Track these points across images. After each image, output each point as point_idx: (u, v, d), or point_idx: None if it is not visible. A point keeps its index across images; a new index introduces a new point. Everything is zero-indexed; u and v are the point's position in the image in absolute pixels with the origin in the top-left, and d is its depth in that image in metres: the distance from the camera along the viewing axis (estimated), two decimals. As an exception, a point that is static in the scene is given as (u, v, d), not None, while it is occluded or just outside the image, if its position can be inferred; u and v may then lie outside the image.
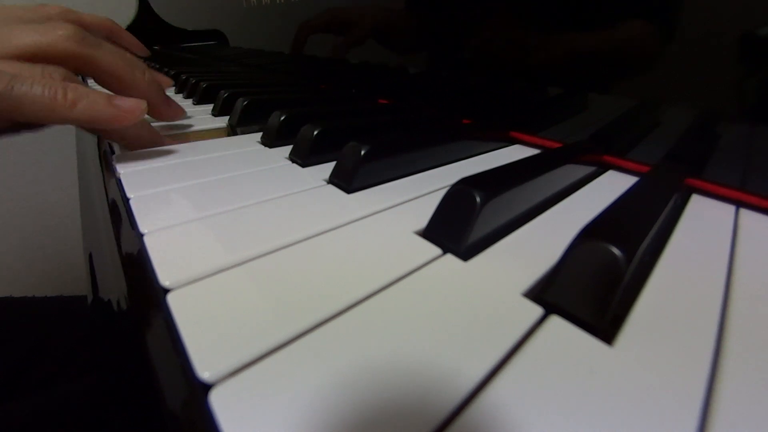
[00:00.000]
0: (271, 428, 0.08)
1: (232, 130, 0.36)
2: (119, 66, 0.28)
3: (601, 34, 0.25)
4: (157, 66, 0.68)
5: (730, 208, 0.21)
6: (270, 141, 0.30)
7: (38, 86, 0.22)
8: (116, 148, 0.29)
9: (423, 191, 0.22)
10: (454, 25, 0.34)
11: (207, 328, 0.11)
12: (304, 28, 0.50)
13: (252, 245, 0.15)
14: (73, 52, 0.26)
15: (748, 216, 0.20)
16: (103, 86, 0.29)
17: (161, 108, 0.31)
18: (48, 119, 0.23)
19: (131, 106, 0.25)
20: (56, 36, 0.25)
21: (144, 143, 0.28)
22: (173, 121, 0.33)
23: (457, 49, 0.35)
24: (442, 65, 0.37)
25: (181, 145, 0.30)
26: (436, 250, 0.16)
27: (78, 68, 0.27)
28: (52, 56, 0.25)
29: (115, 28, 0.45)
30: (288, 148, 0.28)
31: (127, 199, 0.20)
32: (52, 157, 1.01)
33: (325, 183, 0.23)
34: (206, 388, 0.09)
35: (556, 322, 0.12)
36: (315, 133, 0.26)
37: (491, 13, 0.31)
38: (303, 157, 0.26)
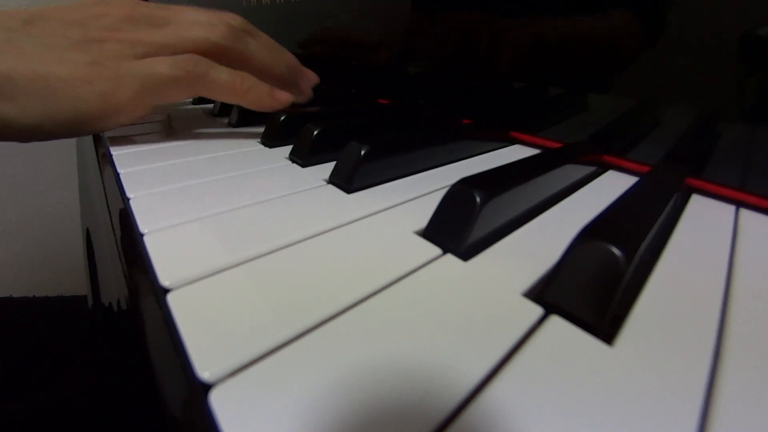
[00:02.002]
0: (271, 428, 0.08)
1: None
2: (264, 58, 0.33)
3: (599, 30, 0.25)
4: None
5: (730, 208, 0.21)
6: (270, 141, 0.30)
7: (225, 73, 0.28)
8: (116, 148, 0.29)
9: (423, 191, 0.22)
10: (454, 26, 0.34)
11: (207, 328, 0.11)
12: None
13: (252, 245, 0.15)
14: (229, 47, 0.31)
15: (748, 216, 0.20)
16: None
17: (294, 91, 0.36)
18: (225, 100, 0.30)
19: (284, 99, 0.31)
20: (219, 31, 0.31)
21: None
22: (312, 85, 0.38)
23: (457, 50, 0.35)
24: (442, 65, 0.37)
25: (182, 144, 0.30)
26: (436, 250, 0.16)
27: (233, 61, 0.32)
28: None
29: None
30: (288, 148, 0.28)
31: (127, 199, 0.20)
32: (52, 157, 1.01)
33: (325, 183, 0.23)
34: (206, 388, 0.09)
35: (556, 322, 0.12)
36: (315, 133, 0.26)
37: (490, 12, 0.31)
38: (303, 157, 0.26)
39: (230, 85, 0.29)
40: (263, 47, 0.33)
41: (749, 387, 0.10)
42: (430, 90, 0.40)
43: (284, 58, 0.36)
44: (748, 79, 0.20)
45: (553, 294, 0.13)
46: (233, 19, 0.33)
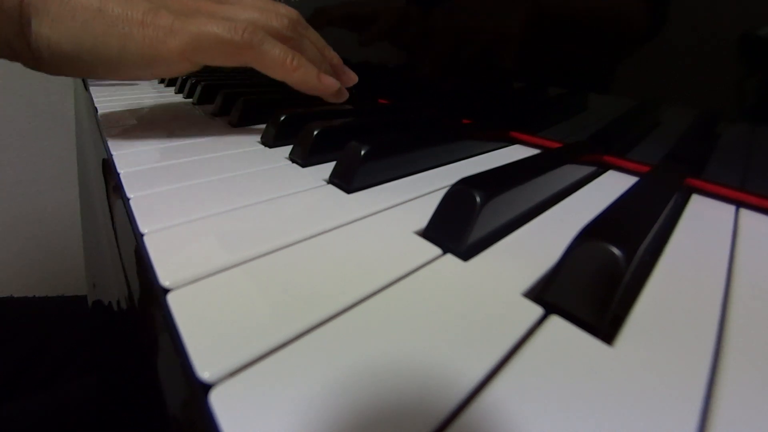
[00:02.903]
0: (271, 428, 0.08)
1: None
2: (314, 56, 0.34)
3: (598, 29, 0.25)
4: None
5: (730, 208, 0.21)
6: (270, 141, 0.30)
7: (278, 48, 0.28)
8: (116, 148, 0.29)
9: (423, 191, 0.22)
10: (453, 26, 0.34)
11: (207, 328, 0.11)
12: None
13: (252, 245, 0.15)
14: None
15: (748, 216, 0.20)
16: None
17: (341, 78, 0.37)
18: (272, 75, 0.29)
19: (330, 83, 0.31)
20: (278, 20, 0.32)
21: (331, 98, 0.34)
22: (351, 85, 0.38)
23: (456, 49, 0.35)
24: (443, 65, 0.37)
25: (182, 144, 0.30)
26: (436, 250, 0.16)
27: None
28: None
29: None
30: (288, 148, 0.28)
31: (127, 199, 0.20)
32: (52, 157, 1.01)
33: (325, 183, 0.23)
34: (206, 388, 0.09)
35: (556, 322, 0.12)
36: (315, 133, 0.26)
37: (489, 11, 0.31)
38: (303, 157, 0.26)
39: (281, 60, 0.28)
40: (313, 43, 0.34)
41: (749, 387, 0.10)
42: (430, 90, 0.40)
43: (330, 56, 0.36)
44: (748, 79, 0.20)
45: (553, 294, 0.13)
46: (291, 12, 0.33)
